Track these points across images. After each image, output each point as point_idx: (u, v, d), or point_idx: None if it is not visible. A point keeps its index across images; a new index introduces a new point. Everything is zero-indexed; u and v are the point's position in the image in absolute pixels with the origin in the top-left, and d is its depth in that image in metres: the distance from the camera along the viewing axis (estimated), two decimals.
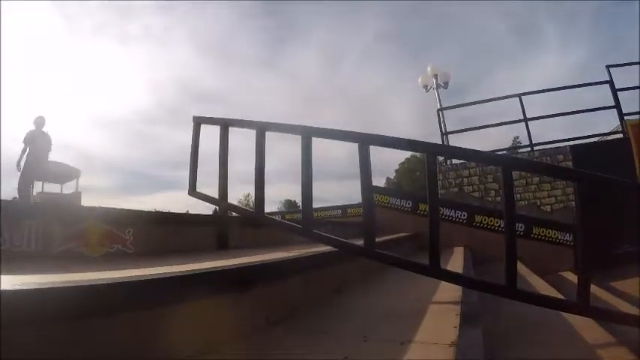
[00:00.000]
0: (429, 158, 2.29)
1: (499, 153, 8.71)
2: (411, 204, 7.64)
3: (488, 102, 9.80)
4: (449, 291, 2.64)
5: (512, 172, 2.28)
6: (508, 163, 2.23)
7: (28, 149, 8.41)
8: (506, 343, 2.47)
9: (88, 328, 1.08)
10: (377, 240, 2.45)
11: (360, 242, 2.38)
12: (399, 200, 7.62)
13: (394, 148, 2.57)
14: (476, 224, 6.87)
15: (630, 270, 5.31)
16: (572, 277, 5.40)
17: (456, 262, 4.58)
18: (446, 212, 6.98)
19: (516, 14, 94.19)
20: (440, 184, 8.10)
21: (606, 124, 9.86)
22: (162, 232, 3.22)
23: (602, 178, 3.41)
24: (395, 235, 5.37)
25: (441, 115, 9.27)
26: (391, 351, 1.61)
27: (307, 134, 2.50)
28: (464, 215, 6.97)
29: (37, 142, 8.52)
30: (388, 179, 52.38)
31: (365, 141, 2.36)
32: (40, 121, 8.82)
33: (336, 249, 2.53)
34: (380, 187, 7.70)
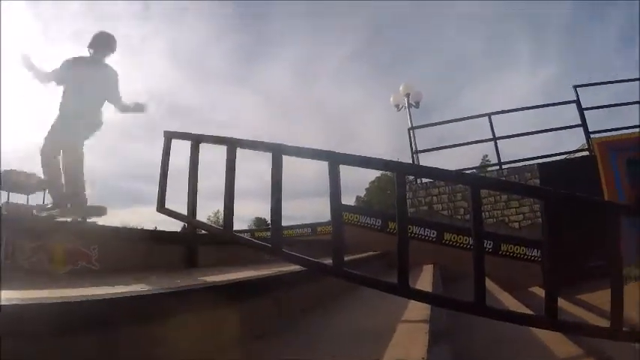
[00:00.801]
0: (399, 178, 2.31)
1: (467, 172, 8.90)
2: (380, 222, 7.65)
3: (458, 121, 10.06)
4: (418, 309, 2.64)
5: (481, 191, 2.31)
6: (476, 183, 2.26)
7: (64, 92, 4.70)
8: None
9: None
10: (346, 259, 2.45)
11: (329, 261, 2.37)
12: (368, 219, 7.64)
13: (364, 167, 2.57)
14: (445, 242, 6.96)
15: (598, 283, 5.44)
16: (541, 293, 5.47)
17: (425, 280, 4.60)
18: (415, 230, 7.05)
19: (487, 34, 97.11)
20: (410, 203, 8.20)
21: (574, 142, 10.20)
22: (129, 248, 3.13)
23: (566, 196, 3.49)
24: (365, 254, 5.40)
25: (411, 134, 9.43)
26: None
27: (277, 152, 2.49)
28: (433, 233, 7.05)
29: (81, 81, 4.64)
30: (358, 197, 52.38)
31: (334, 160, 2.35)
32: (102, 42, 4.93)
33: (305, 268, 2.50)
34: (350, 205, 7.78)
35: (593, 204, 2.54)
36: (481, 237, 2.24)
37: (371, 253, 5.68)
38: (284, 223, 2.60)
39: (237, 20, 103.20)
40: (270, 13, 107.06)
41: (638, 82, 9.62)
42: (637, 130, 9.16)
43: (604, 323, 2.23)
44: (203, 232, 3.99)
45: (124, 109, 5.05)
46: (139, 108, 5.09)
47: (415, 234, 7.01)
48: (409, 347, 1.83)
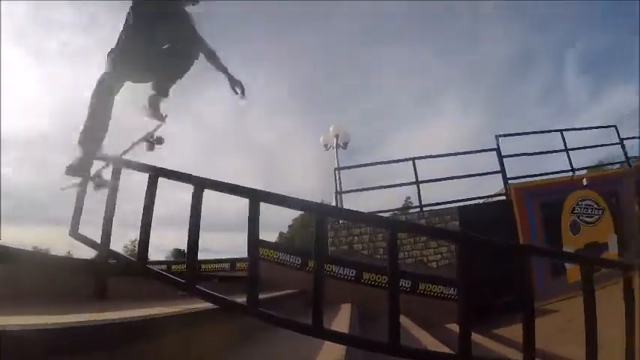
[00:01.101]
0: (319, 219, 2.32)
1: (384, 215, 9.21)
2: (300, 260, 7.55)
3: (384, 164, 10.42)
4: (334, 349, 2.64)
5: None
6: (394, 226, 2.33)
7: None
8: None
9: None
10: (263, 297, 2.41)
11: (243, 299, 2.32)
12: (288, 256, 7.54)
13: (285, 206, 2.57)
14: (364, 281, 7.02)
15: (512, 318, 5.69)
16: (457, 329, 5.65)
17: (342, 320, 4.61)
18: (335, 269, 7.07)
19: (418, 84, 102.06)
20: (330, 242, 8.27)
21: (493, 186, 11.05)
22: (29, 274, 2.86)
23: (477, 239, 3.69)
24: (283, 292, 5.31)
25: (337, 175, 9.58)
26: None
27: (200, 185, 2.46)
28: (352, 272, 7.10)
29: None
30: (282, 234, 51.80)
31: (255, 198, 2.34)
32: None
33: (218, 306, 2.43)
34: (270, 242, 7.72)
35: (504, 246, 2.68)
36: (396, 277, 2.30)
37: (289, 291, 5.62)
38: (203, 257, 2.53)
39: None
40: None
41: (553, 132, 11.11)
42: (550, 177, 10.46)
43: (516, 356, 2.33)
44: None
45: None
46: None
47: (334, 273, 7.03)
48: None
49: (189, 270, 2.43)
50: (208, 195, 2.47)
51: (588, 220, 10.15)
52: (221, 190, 2.50)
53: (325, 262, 6.64)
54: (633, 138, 12.09)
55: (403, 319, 6.12)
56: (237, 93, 3.69)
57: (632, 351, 2.58)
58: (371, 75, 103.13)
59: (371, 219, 3.29)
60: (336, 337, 2.40)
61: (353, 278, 7.08)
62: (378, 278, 7.13)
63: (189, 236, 2.37)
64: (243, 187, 2.45)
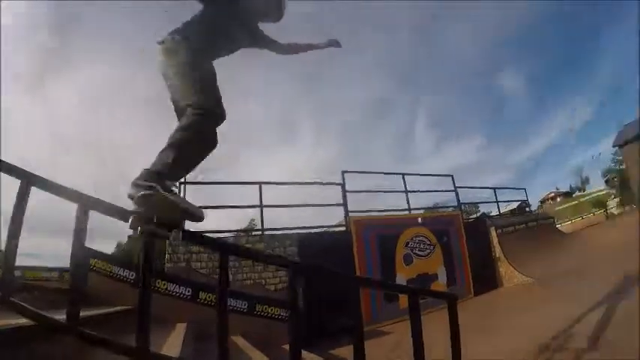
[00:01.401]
0: (147, 235, 2.14)
1: (229, 235, 9.23)
2: (134, 275, 6.74)
3: (231, 184, 10.39)
4: None
5: None
6: (226, 249, 2.29)
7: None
8: None
9: None
10: (89, 314, 2.17)
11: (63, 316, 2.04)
12: (122, 270, 6.81)
13: (114, 217, 2.25)
14: (200, 301, 6.75)
15: (349, 339, 6.00)
16: None
17: (174, 341, 4.41)
18: (171, 288, 6.70)
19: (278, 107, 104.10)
20: (168, 258, 7.88)
21: (336, 217, 11.98)
22: None
23: (308, 266, 3.85)
24: (112, 309, 4.84)
25: (182, 188, 9.17)
26: None
27: (28, 180, 2.14)
28: (189, 291, 6.80)
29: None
30: (120, 244, 47.12)
31: (86, 205, 2.14)
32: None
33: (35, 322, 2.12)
34: (103, 252, 6.94)
35: (334, 275, 2.82)
36: (225, 298, 2.25)
37: (120, 308, 5.12)
38: (27, 264, 2.20)
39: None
40: None
41: (395, 174, 12.66)
42: (387, 213, 11.76)
43: None
44: None
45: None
46: None
47: (170, 291, 6.67)
48: None
49: (5, 278, 2.09)
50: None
51: (420, 253, 11.50)
52: (53, 192, 2.20)
53: (157, 278, 6.35)
54: (464, 187, 14.69)
55: (240, 340, 6.14)
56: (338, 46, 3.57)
57: None
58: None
59: (202, 240, 3.15)
60: None
61: (189, 297, 6.78)
62: (215, 298, 6.93)
63: (8, 238, 2.03)
64: (75, 191, 2.19)
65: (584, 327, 5.27)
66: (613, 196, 48.58)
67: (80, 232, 2.09)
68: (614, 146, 32.82)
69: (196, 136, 2.36)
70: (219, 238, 7.85)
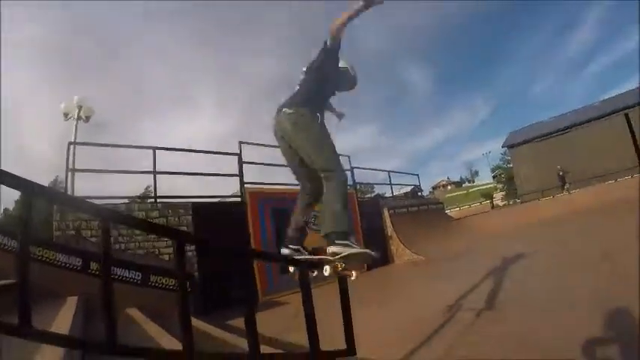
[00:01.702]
0: (25, 199, 1.91)
1: (121, 202, 8.75)
2: (13, 243, 5.81)
3: (123, 147, 9.76)
4: (49, 353, 2.35)
5: None
6: (106, 216, 2.13)
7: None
8: None
9: None
10: None
11: None
12: (6, 239, 5.76)
13: None
14: (92, 271, 6.31)
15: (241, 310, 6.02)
16: (193, 322, 5.59)
17: (65, 315, 4.13)
18: (59, 258, 6.18)
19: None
20: (56, 226, 7.28)
21: (232, 188, 11.43)
22: None
23: (195, 238, 3.78)
24: None
25: (71, 150, 8.45)
26: None
27: None
28: (79, 262, 6.30)
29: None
30: (6, 210, 42.16)
31: None
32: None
33: None
34: None
35: (220, 247, 2.77)
36: (109, 269, 2.14)
37: (2, 282, 4.60)
38: None
39: None
40: None
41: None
42: (281, 186, 11.52)
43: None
44: None
45: None
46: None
47: (58, 261, 6.15)
48: None
49: None
50: None
51: (315, 228, 11.58)
52: None
53: (42, 247, 5.86)
54: (360, 168, 15.26)
55: (134, 313, 5.92)
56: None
57: (350, 333, 3.13)
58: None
59: (81, 204, 2.97)
60: (47, 338, 2.08)
61: (79, 268, 6.30)
62: (112, 271, 6.55)
63: None
64: None
65: (471, 299, 5.84)
66: (499, 190, 53.50)
67: None
68: (503, 147, 36.58)
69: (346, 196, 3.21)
70: (101, 204, 7.37)
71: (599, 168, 27.17)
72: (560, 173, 24.99)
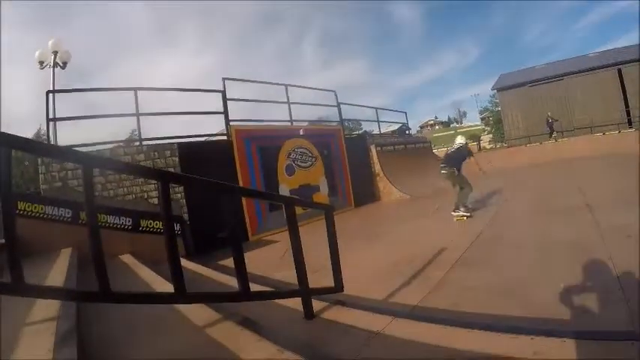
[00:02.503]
0: (3, 152, 1.84)
1: (78, 149, 8.42)
2: None
3: (103, 91, 9.39)
4: (47, 307, 2.42)
5: None
6: (86, 161, 2.10)
7: None
8: (112, 350, 2.44)
9: None
10: None
11: None
12: None
13: None
14: (82, 221, 6.32)
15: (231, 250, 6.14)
16: (185, 264, 5.70)
17: (59, 268, 4.21)
18: (48, 211, 6.19)
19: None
20: (42, 178, 7.18)
21: (218, 126, 11.21)
22: None
23: (180, 177, 3.75)
24: None
25: (50, 98, 8.21)
26: None
27: None
28: (69, 213, 6.33)
29: None
30: None
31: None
32: None
33: None
34: None
35: (208, 185, 2.75)
36: (94, 215, 2.11)
37: None
38: None
39: None
40: None
41: (278, 85, 12.19)
42: (267, 124, 11.51)
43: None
44: None
45: None
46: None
47: (48, 214, 6.17)
48: (35, 354, 1.67)
49: None
50: None
51: (303, 164, 11.67)
52: None
53: (29, 202, 5.80)
54: (347, 104, 14.85)
55: (128, 258, 6.02)
56: None
57: (338, 270, 3.23)
58: None
59: (60, 153, 2.91)
60: (43, 293, 2.11)
61: (69, 219, 6.33)
62: (103, 218, 6.62)
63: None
64: None
65: (456, 240, 5.97)
66: (486, 132, 53.32)
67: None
68: (492, 89, 35.95)
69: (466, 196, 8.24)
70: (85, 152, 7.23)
71: (587, 120, 26.96)
72: (550, 120, 24.63)
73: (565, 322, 2.74)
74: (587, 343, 1.87)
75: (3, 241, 1.76)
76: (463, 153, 8.27)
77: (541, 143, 22.95)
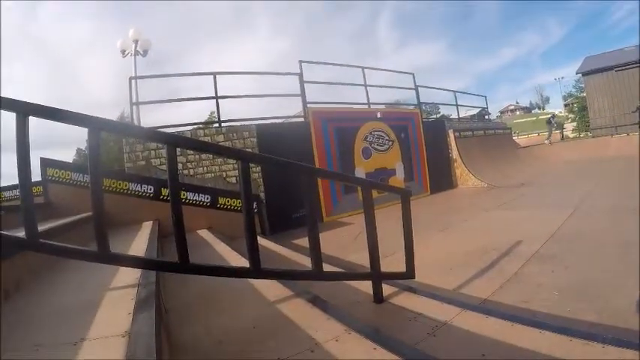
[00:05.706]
0: (92, 134, 1.94)
1: (163, 130, 8.81)
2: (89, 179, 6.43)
3: (184, 76, 9.75)
4: (128, 274, 2.56)
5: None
6: (171, 141, 2.17)
7: None
8: (187, 318, 2.54)
9: None
10: (53, 225, 2.08)
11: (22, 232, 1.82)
12: (78, 175, 6.64)
13: (57, 120, 1.91)
14: (164, 197, 6.71)
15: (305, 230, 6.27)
16: (260, 241, 5.82)
17: (140, 240, 4.44)
18: (132, 187, 6.66)
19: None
20: (127, 158, 7.63)
21: (294, 108, 11.40)
22: None
23: (259, 157, 3.81)
24: (74, 217, 4.63)
25: (133, 84, 8.67)
26: (64, 355, 1.47)
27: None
28: (151, 189, 6.77)
29: None
30: (79, 150, 43.10)
31: (21, 111, 1.79)
32: None
33: None
34: (63, 162, 6.56)
35: (287, 165, 2.77)
36: (178, 192, 2.20)
37: (82, 215, 4.89)
38: None
39: None
40: None
41: (354, 67, 11.99)
42: (344, 106, 11.45)
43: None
44: None
45: None
46: None
47: (132, 191, 6.64)
48: (114, 319, 1.76)
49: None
50: None
51: (379, 148, 11.53)
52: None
53: (114, 179, 6.28)
54: (425, 87, 14.16)
55: (205, 233, 6.25)
56: None
57: (411, 256, 3.12)
58: None
59: (146, 134, 3.04)
60: (126, 261, 2.26)
61: (152, 195, 6.77)
62: (183, 195, 7.01)
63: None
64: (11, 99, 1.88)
65: (534, 233, 5.54)
66: (570, 120, 49.52)
67: (23, 141, 1.82)
68: (577, 73, 32.70)
69: None
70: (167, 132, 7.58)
71: None
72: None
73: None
74: None
75: (91, 214, 1.90)
76: None
77: (628, 134, 20.79)
